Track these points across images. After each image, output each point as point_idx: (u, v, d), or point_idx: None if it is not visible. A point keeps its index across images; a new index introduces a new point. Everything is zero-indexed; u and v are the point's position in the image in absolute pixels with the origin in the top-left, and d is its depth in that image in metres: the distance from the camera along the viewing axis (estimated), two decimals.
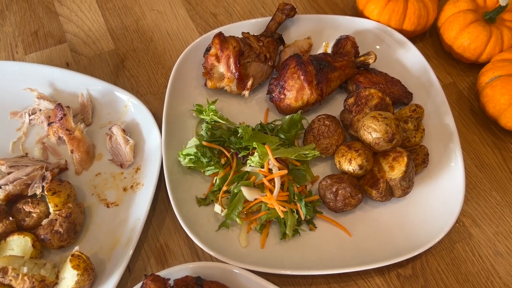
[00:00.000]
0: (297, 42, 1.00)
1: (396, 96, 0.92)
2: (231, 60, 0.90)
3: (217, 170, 0.83)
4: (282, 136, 0.87)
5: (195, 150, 0.82)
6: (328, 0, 1.13)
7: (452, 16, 0.98)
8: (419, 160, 0.85)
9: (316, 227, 0.82)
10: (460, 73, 1.03)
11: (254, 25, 1.01)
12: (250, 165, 0.82)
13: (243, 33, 0.95)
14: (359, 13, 1.05)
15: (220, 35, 0.91)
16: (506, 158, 0.92)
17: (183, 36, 1.07)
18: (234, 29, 0.99)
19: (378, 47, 1.00)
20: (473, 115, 0.97)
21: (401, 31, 1.00)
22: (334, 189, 0.80)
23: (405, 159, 0.79)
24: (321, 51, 1.02)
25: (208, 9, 1.11)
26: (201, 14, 1.10)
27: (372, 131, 0.80)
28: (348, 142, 0.84)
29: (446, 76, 1.02)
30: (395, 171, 0.79)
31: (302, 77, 0.88)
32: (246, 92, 0.93)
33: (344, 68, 0.92)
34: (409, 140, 0.86)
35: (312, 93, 0.89)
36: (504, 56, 0.93)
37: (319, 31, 1.02)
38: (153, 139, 0.87)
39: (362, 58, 0.93)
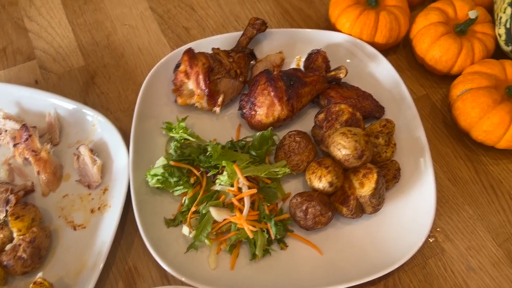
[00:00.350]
0: (269, 56, 0.99)
1: (368, 111, 0.92)
2: (200, 77, 0.88)
3: (186, 190, 0.82)
4: (253, 153, 0.86)
5: (162, 170, 0.80)
6: (301, 13, 1.12)
7: (423, 28, 0.98)
8: (390, 176, 0.84)
9: (287, 246, 0.81)
10: (434, 85, 1.02)
11: (226, 40, 1.00)
12: (219, 184, 0.81)
13: (213, 48, 0.94)
14: (331, 26, 1.04)
15: (189, 51, 0.90)
16: (479, 171, 0.92)
17: (154, 51, 1.06)
18: (206, 44, 0.98)
19: (349, 60, 1.00)
20: (446, 127, 0.97)
21: (373, 44, 1.00)
22: (304, 208, 0.79)
23: (375, 175, 0.78)
24: (293, 65, 1.01)
25: (181, 23, 1.10)
26: (173, 29, 1.09)
27: (342, 147, 0.79)
28: (318, 159, 0.83)
29: (419, 88, 1.02)
30: (365, 188, 0.78)
31: (272, 93, 0.87)
32: (217, 109, 0.92)
33: (315, 83, 0.91)
34: (380, 155, 0.86)
35: (283, 109, 0.88)
36: (475, 69, 0.93)
37: (291, 45, 1.01)
38: (121, 158, 0.85)
39: (333, 73, 0.93)
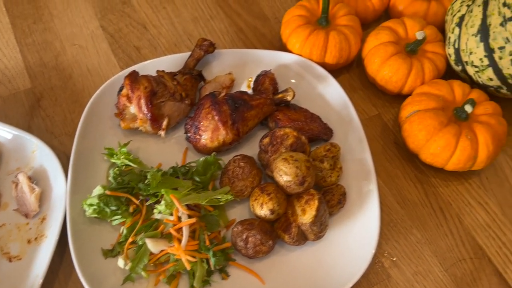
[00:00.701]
0: (218, 78, 0.97)
1: (315, 133, 0.90)
2: (142, 101, 0.87)
3: (125, 219, 0.80)
4: (197, 179, 0.84)
5: (97, 200, 0.78)
6: (255, 32, 1.11)
7: (374, 48, 0.97)
8: (334, 201, 0.83)
9: (229, 276, 0.79)
10: (386, 104, 1.01)
11: (176, 60, 0.99)
12: (158, 213, 0.79)
13: (157, 71, 0.92)
14: (283, 46, 1.03)
15: (131, 75, 0.88)
16: (428, 193, 0.90)
17: (104, 71, 1.04)
18: (155, 65, 0.96)
19: (298, 81, 0.98)
20: (397, 148, 0.96)
21: (324, 64, 0.98)
22: (244, 236, 0.77)
23: (316, 202, 0.77)
24: (244, 86, 0.99)
25: (132, 42, 1.08)
26: (124, 48, 1.07)
27: (283, 174, 0.78)
28: (262, 185, 0.82)
29: (371, 108, 1.01)
30: (306, 215, 0.77)
31: (216, 118, 0.86)
32: (161, 132, 0.90)
33: (262, 106, 0.90)
34: (325, 180, 0.84)
35: (228, 133, 0.86)
36: (424, 90, 0.92)
37: (241, 66, 1.00)
38: (60, 186, 0.83)
39: (280, 95, 0.91)
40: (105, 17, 1.12)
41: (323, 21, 0.99)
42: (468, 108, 0.83)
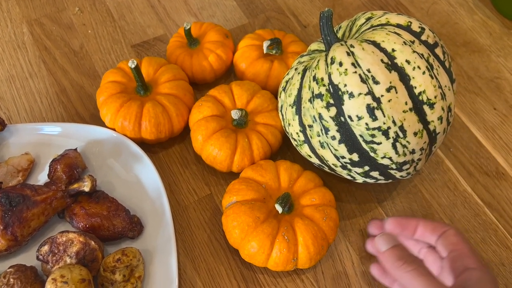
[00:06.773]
0: (11, 159, 0.82)
1: (119, 231, 0.76)
2: None
3: None
4: None
5: None
6: (81, 92, 0.96)
7: (196, 123, 0.84)
8: None
9: None
10: (220, 182, 0.89)
11: None
12: None
13: None
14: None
15: None
16: None
17: None
18: None
19: (115, 162, 0.84)
20: (225, 238, 0.83)
21: (142, 139, 0.85)
22: None
23: None
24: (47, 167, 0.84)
25: None
26: None
27: None
28: None
29: (203, 187, 0.88)
30: None
31: None
32: None
33: (51, 201, 0.75)
34: None
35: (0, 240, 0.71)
36: (247, 174, 0.79)
37: (46, 142, 0.84)
38: None
39: (75, 186, 0.77)
40: None
41: (140, 90, 0.85)
42: (278, 208, 0.71)
